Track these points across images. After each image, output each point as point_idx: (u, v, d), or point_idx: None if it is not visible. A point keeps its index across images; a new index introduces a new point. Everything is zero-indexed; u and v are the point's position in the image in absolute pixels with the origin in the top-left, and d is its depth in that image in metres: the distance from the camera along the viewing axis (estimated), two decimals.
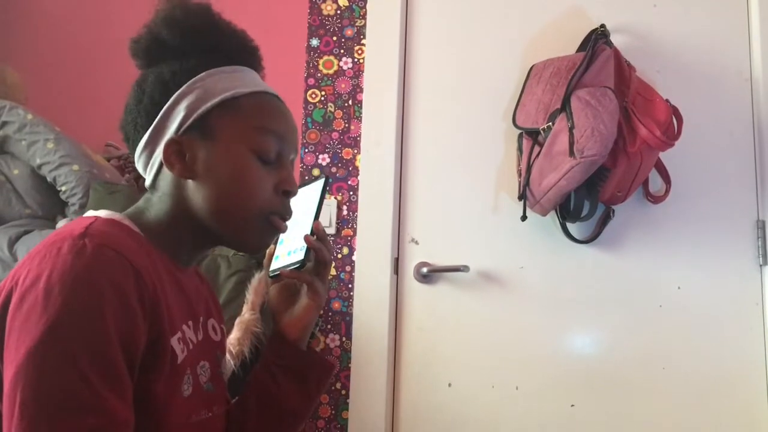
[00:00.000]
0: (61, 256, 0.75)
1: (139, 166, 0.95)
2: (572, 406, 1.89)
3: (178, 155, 0.89)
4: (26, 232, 1.83)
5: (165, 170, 0.91)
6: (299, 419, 1.06)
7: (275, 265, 1.05)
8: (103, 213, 0.89)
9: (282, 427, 1.04)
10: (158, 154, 0.90)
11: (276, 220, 0.93)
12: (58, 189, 1.88)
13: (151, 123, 0.90)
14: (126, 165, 2.13)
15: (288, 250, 1.04)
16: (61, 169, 1.86)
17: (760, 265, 1.89)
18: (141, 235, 0.88)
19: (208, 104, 0.90)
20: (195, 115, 0.89)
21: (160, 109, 0.90)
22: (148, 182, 0.94)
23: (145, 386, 0.80)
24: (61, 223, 1.86)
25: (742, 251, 1.91)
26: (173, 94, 0.90)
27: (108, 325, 0.74)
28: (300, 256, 1.00)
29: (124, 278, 0.77)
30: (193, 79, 0.90)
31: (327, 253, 1.03)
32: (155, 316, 0.81)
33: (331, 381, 1.93)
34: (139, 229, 0.89)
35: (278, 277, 1.04)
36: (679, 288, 1.90)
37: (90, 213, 0.90)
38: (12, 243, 1.79)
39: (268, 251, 1.08)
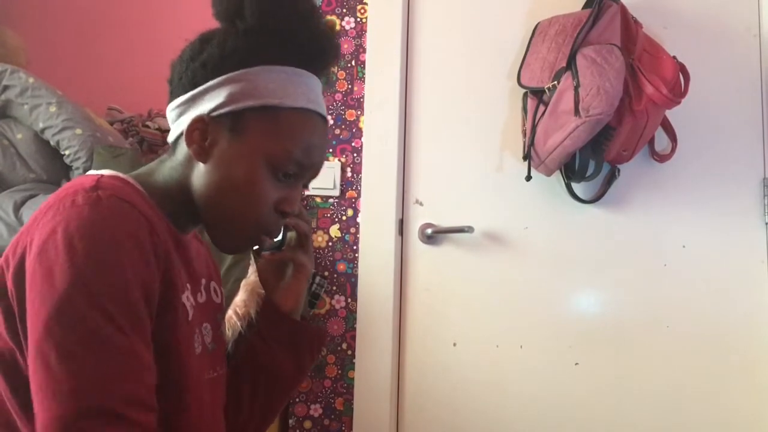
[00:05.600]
0: (76, 207, 0.76)
1: (168, 117, 0.94)
2: (576, 364, 1.90)
3: (200, 134, 0.87)
4: (31, 197, 1.83)
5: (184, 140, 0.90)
6: (292, 386, 1.09)
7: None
8: (105, 172, 0.88)
9: (275, 392, 1.07)
10: (185, 122, 0.89)
11: (262, 239, 0.93)
12: (62, 153, 1.87)
13: (194, 87, 0.88)
14: (129, 128, 2.12)
15: None
16: (64, 132, 1.85)
17: (766, 223, 1.89)
18: (145, 194, 0.88)
19: (248, 103, 0.87)
20: (231, 107, 0.87)
21: (207, 80, 0.88)
22: (170, 138, 0.93)
23: (164, 342, 0.82)
24: None
25: (747, 209, 1.90)
26: (226, 71, 0.87)
27: (129, 273, 0.76)
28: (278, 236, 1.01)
29: (139, 228, 0.78)
30: (248, 70, 0.87)
31: (305, 225, 1.03)
32: (167, 268, 0.82)
33: (338, 341, 1.94)
34: (143, 189, 0.89)
35: (260, 254, 1.05)
36: (684, 247, 1.90)
37: (92, 172, 0.90)
38: (17, 207, 1.79)
39: None
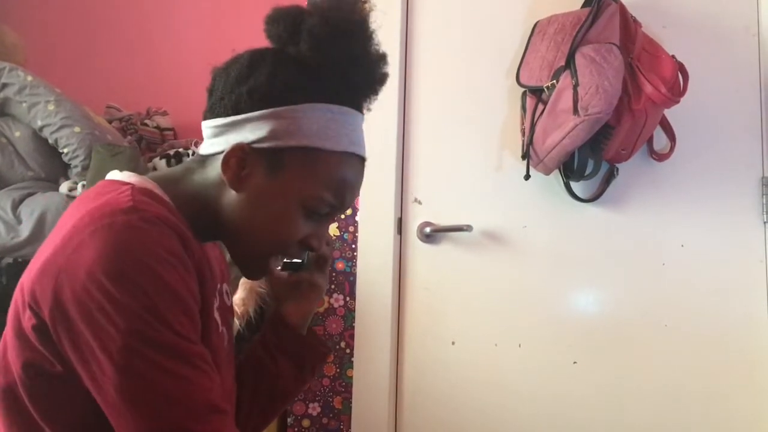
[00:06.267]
0: (119, 232, 0.76)
1: (204, 131, 0.92)
2: (575, 363, 1.90)
3: (238, 162, 0.86)
4: (29, 194, 1.83)
5: (219, 162, 0.88)
6: (290, 398, 1.11)
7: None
8: (134, 180, 0.88)
9: (275, 398, 1.08)
10: (224, 146, 0.87)
11: (275, 267, 0.98)
12: (60, 151, 1.87)
13: (236, 112, 0.87)
14: (128, 127, 2.12)
15: None
16: (62, 131, 1.85)
17: (764, 222, 1.89)
18: (172, 206, 0.88)
19: (290, 143, 0.86)
20: (272, 144, 0.86)
21: (252, 110, 0.86)
22: (203, 151, 0.92)
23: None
24: (64, 186, 1.86)
25: (746, 208, 1.90)
26: (271, 105, 0.85)
27: (181, 287, 0.78)
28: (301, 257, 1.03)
29: (177, 247, 0.80)
30: (294, 107, 0.85)
31: (327, 249, 1.04)
32: (201, 284, 0.84)
33: (336, 340, 1.94)
34: (169, 197, 0.89)
35: (279, 271, 1.06)
36: (682, 246, 1.90)
37: (116, 176, 0.89)
38: (16, 205, 1.79)
39: None
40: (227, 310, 1.01)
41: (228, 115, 0.87)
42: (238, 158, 0.86)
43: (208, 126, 0.90)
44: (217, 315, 0.91)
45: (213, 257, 0.98)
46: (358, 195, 0.97)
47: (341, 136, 0.88)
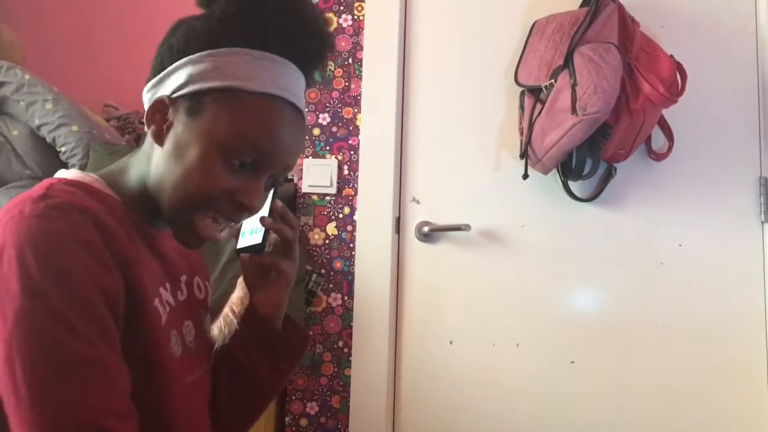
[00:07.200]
0: (24, 220, 0.73)
1: (144, 105, 0.90)
2: (572, 362, 1.90)
3: (161, 116, 0.85)
4: None
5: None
6: (270, 393, 1.06)
7: (241, 242, 1.01)
8: (72, 174, 0.87)
9: (253, 398, 1.04)
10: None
11: (206, 225, 0.86)
12: (58, 150, 1.87)
13: (161, 70, 0.86)
14: (125, 126, 2.12)
15: (250, 227, 0.99)
16: (60, 129, 1.85)
17: (762, 222, 1.89)
18: (112, 197, 0.86)
19: (207, 84, 0.83)
20: (190, 89, 0.83)
21: (173, 62, 0.85)
22: (146, 127, 0.89)
23: (135, 349, 0.80)
24: None
25: (744, 208, 1.90)
26: (191, 53, 0.84)
27: (86, 281, 0.74)
28: (258, 239, 0.97)
29: (89, 234, 0.76)
30: (211, 51, 0.83)
31: (288, 231, 0.98)
32: (128, 272, 0.80)
33: (334, 339, 1.94)
34: (113, 190, 0.86)
35: (240, 255, 1.02)
36: (680, 245, 1.91)
37: (59, 174, 0.88)
38: None
39: None
40: (196, 303, 0.98)
41: (155, 76, 0.87)
42: (161, 112, 0.85)
43: (144, 97, 0.89)
44: (163, 309, 0.86)
45: (172, 245, 0.93)
46: (296, 152, 0.89)
47: (265, 78, 0.84)
